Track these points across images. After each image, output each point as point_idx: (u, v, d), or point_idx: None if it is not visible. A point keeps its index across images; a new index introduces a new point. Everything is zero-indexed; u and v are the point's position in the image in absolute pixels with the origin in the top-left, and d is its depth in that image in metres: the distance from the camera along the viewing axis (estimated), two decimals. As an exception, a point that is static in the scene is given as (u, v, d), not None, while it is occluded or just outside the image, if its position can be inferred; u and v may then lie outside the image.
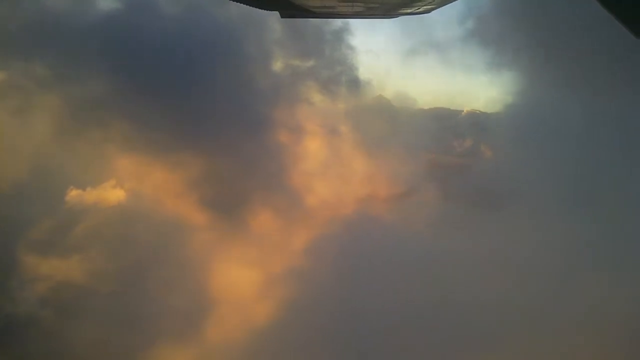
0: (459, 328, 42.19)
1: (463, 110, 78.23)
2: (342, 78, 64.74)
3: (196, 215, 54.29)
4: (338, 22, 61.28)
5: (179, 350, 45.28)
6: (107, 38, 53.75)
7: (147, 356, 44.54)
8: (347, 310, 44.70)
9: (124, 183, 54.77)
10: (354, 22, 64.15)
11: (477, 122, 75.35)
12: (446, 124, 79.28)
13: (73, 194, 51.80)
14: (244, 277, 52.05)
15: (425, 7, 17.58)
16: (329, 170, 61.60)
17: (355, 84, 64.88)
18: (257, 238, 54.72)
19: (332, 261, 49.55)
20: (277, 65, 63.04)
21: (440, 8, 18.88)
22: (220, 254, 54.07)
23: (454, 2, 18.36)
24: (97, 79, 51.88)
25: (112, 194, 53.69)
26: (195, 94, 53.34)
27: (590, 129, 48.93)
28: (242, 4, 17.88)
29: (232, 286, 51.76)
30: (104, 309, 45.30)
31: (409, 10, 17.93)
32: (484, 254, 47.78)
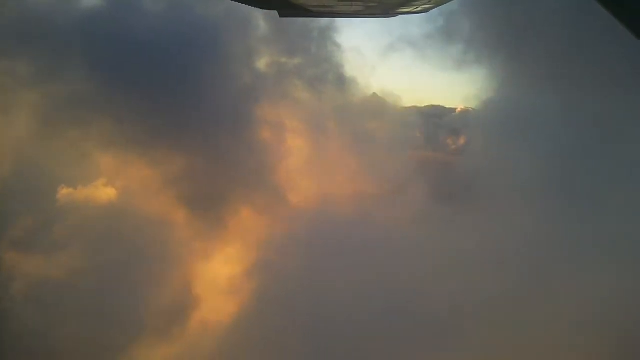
0: (444, 326, 42.66)
1: (457, 108, 79.00)
2: (328, 75, 65.17)
3: (182, 213, 54.49)
4: (324, 19, 61.50)
5: (161, 347, 45.64)
6: (92, 35, 53.43)
7: (129, 352, 44.77)
8: (329, 307, 45.07)
9: (114, 181, 54.68)
10: (340, 19, 64.35)
11: (463, 119, 76.12)
12: (432, 121, 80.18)
13: (64, 192, 51.60)
14: (225, 273, 52.44)
15: (423, 6, 17.88)
16: (314, 168, 62.05)
17: (340, 81, 65.30)
18: (241, 235, 55.06)
19: (315, 258, 49.85)
20: (262, 63, 63.32)
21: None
22: (204, 250, 54.46)
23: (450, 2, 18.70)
24: (81, 77, 51.62)
25: (103, 193, 53.54)
26: (187, 93, 53.30)
27: (576, 125, 49.62)
28: (240, 3, 18.00)
29: (214, 282, 52.20)
30: (86, 306, 45.30)
31: (407, 10, 18.21)
32: (465, 251, 48.25)
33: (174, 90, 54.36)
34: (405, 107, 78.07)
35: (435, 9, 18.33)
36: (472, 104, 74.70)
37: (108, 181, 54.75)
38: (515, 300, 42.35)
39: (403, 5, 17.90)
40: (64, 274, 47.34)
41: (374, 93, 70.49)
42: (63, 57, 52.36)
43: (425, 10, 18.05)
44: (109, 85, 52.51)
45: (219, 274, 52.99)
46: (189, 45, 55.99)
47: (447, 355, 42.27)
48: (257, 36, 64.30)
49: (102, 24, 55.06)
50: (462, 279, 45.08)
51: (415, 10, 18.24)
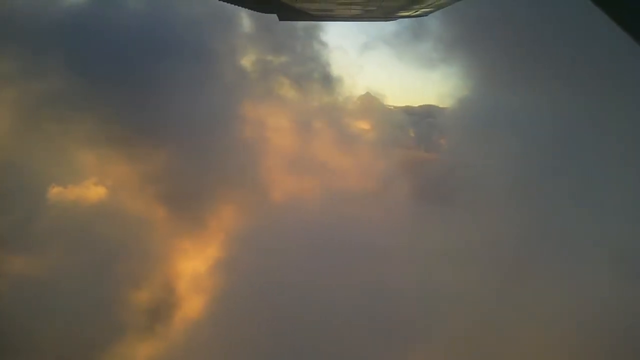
0: (432, 326, 42.87)
1: (446, 108, 79.15)
2: (313, 74, 65.38)
3: (167, 211, 54.53)
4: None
5: (143, 345, 45.70)
6: (78, 33, 53.02)
7: (111, 350, 44.76)
8: (313, 305, 45.22)
9: (104, 180, 54.47)
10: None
11: (446, 118, 76.37)
12: (415, 120, 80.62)
13: (55, 191, 51.33)
14: (206, 271, 52.60)
15: (423, 9, 18.02)
16: (301, 167, 62.20)
17: (326, 80, 65.49)
18: (223, 233, 55.19)
19: (299, 257, 50.00)
20: (248, 61, 63.49)
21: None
22: (188, 248, 54.54)
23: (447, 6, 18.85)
24: (65, 75, 51.28)
25: (93, 192, 53.28)
26: (174, 91, 53.12)
27: (558, 122, 50.01)
28: (239, 6, 18.01)
29: (195, 280, 52.38)
30: (69, 305, 45.11)
31: (406, 13, 18.36)
32: (454, 250, 48.44)
33: (160, 89, 54.10)
34: (394, 106, 78.67)
35: (434, 12, 18.47)
36: (452, 102, 74.66)
37: (98, 180, 54.51)
38: (509, 299, 42.59)
39: (402, 9, 18.02)
40: (49, 272, 47.07)
41: (368, 93, 70.95)
42: (49, 56, 51.89)
43: (425, 14, 18.21)
44: (94, 84, 52.18)
45: (200, 272, 53.07)
46: (174, 44, 55.79)
47: (436, 355, 42.53)
48: (243, 35, 64.39)
49: (86, 22, 54.65)
50: (453, 279, 45.19)
51: (414, 13, 18.38)
